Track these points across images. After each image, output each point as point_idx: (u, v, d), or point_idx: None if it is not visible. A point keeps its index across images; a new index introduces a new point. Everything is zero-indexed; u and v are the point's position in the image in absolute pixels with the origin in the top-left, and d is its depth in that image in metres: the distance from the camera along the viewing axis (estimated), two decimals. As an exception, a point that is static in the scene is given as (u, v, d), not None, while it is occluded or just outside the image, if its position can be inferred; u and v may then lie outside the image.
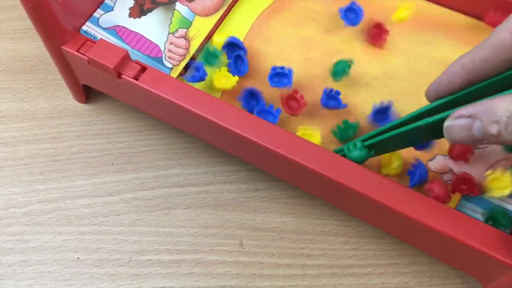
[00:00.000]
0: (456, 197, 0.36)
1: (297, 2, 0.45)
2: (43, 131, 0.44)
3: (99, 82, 0.41)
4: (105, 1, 0.42)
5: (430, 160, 0.38)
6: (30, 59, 0.48)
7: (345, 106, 0.40)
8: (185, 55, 0.42)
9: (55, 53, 0.40)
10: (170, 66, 0.41)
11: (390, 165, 0.37)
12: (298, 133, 0.38)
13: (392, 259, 0.39)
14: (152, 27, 0.42)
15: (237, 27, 0.44)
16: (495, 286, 0.33)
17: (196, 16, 0.43)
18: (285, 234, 0.40)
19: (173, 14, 0.43)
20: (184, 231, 0.40)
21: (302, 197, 0.41)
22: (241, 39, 0.43)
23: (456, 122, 0.28)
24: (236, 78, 0.40)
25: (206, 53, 0.41)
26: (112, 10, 0.42)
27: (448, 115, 0.29)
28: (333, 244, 0.39)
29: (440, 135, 0.31)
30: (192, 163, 0.43)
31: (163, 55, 0.41)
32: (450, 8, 0.44)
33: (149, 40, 0.41)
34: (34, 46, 0.48)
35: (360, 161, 0.35)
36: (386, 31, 0.42)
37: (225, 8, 0.44)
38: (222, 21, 0.44)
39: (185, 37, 0.42)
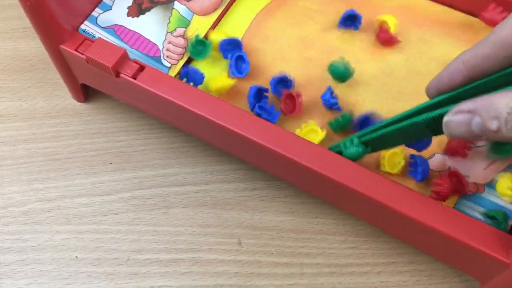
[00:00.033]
0: (454, 196, 0.36)
1: (295, 1, 0.45)
2: (42, 130, 0.44)
3: (97, 81, 0.41)
4: (104, 0, 0.42)
5: (429, 158, 0.38)
6: (28, 58, 0.48)
7: (338, 108, 0.40)
8: (183, 54, 0.42)
9: (53, 52, 0.40)
10: (169, 65, 0.41)
11: (393, 164, 0.37)
12: (302, 130, 0.38)
13: (390, 258, 0.39)
14: (151, 26, 0.42)
15: (235, 26, 0.44)
16: (493, 285, 0.33)
17: (195, 15, 0.43)
18: (284, 233, 0.40)
19: (171, 13, 0.43)
20: (183, 230, 0.40)
21: (300, 196, 0.41)
22: (239, 37, 0.43)
23: (456, 117, 0.28)
24: (232, 81, 0.40)
25: (194, 44, 0.41)
26: (111, 9, 0.42)
27: (447, 111, 0.29)
28: (332, 243, 0.39)
29: (439, 131, 0.30)
30: (190, 162, 0.43)
31: (162, 54, 0.41)
32: (448, 6, 0.44)
33: (148, 39, 0.41)
34: (33, 46, 0.48)
35: (356, 158, 0.35)
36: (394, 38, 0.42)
37: (223, 7, 0.44)
38: (220, 20, 0.44)
39: (183, 36, 0.42)
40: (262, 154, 0.36)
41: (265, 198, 0.41)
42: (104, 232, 0.40)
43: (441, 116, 0.30)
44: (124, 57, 0.37)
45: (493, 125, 0.26)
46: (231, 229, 0.40)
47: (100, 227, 0.40)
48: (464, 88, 0.31)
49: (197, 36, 0.41)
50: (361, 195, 0.33)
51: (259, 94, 0.39)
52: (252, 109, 0.39)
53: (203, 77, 0.40)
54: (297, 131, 0.38)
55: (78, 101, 0.45)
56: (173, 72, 0.41)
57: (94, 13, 0.42)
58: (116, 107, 0.45)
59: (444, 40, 0.43)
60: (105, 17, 0.42)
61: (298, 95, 0.39)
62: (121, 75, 0.37)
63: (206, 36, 0.43)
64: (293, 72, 0.41)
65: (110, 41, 0.40)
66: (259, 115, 0.38)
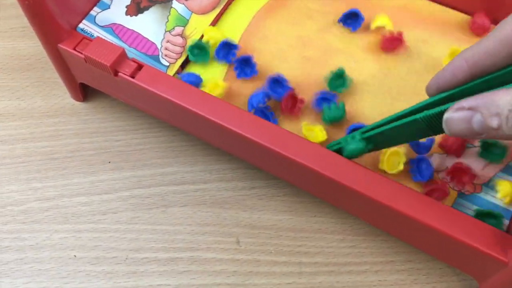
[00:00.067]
0: (452, 195, 0.36)
1: (294, 0, 0.45)
2: (40, 129, 0.44)
3: (96, 80, 0.41)
4: (102, -1, 0.42)
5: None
6: (27, 57, 0.48)
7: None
8: (181, 53, 0.42)
9: (52, 51, 0.40)
10: (167, 64, 0.41)
11: (392, 164, 0.37)
12: (303, 130, 0.38)
13: (388, 256, 0.39)
14: (149, 25, 0.42)
15: (234, 25, 0.44)
16: (491, 283, 0.33)
17: (193, 14, 0.43)
18: (282, 232, 0.40)
19: (169, 12, 0.43)
20: (181, 229, 0.40)
21: (299, 195, 0.41)
22: (238, 37, 0.43)
23: (456, 114, 0.28)
24: (225, 84, 0.40)
25: (193, 49, 0.41)
26: (109, 8, 0.42)
27: (447, 108, 0.29)
28: (330, 242, 0.39)
29: (438, 129, 0.30)
30: (189, 161, 0.43)
31: (160, 53, 0.41)
32: (447, 5, 0.44)
33: (146, 38, 0.41)
34: (31, 45, 0.48)
35: (357, 154, 0.34)
36: (400, 40, 0.42)
37: (221, 6, 0.44)
38: (219, 19, 0.44)
39: (181, 35, 0.42)
40: (261, 153, 0.36)
41: (263, 197, 0.41)
42: (102, 231, 0.40)
43: (441, 113, 0.29)
44: (123, 56, 0.37)
45: (494, 122, 0.26)
46: (230, 228, 0.40)
47: (98, 226, 0.40)
48: (464, 86, 0.31)
49: (196, 43, 0.41)
50: (359, 194, 0.33)
51: (262, 99, 0.40)
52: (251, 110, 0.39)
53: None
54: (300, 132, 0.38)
55: (77, 100, 0.46)
56: (171, 71, 0.41)
57: (93, 12, 0.42)
58: (115, 106, 0.45)
59: (442, 40, 0.43)
60: (103, 16, 0.42)
61: (302, 101, 0.39)
62: (119, 74, 0.37)
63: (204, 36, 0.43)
64: (292, 71, 0.41)
65: (109, 40, 0.40)
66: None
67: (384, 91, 0.41)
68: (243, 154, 0.39)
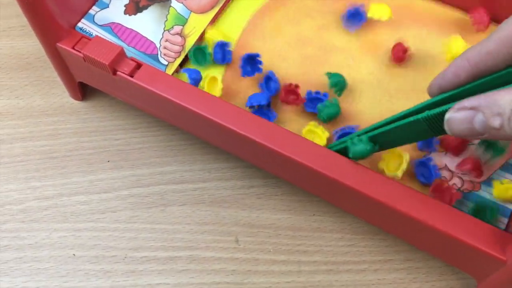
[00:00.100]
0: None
1: (292, -1, 0.45)
2: (39, 128, 0.44)
3: (94, 79, 0.41)
4: (101, -2, 0.42)
5: (425, 156, 0.38)
6: (26, 56, 0.48)
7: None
8: (180, 52, 0.42)
9: (50, 50, 0.40)
10: (166, 63, 0.41)
11: (393, 167, 0.37)
12: (305, 130, 0.38)
13: (387, 255, 0.39)
14: (148, 24, 0.42)
15: (233, 24, 0.44)
16: (489, 282, 0.33)
17: (192, 13, 0.43)
18: (281, 230, 0.40)
19: (168, 11, 0.43)
20: (180, 227, 0.40)
21: (297, 194, 0.41)
22: (237, 36, 0.43)
23: (458, 114, 0.28)
24: (221, 87, 0.40)
25: (195, 52, 0.41)
26: (108, 7, 0.42)
27: (449, 108, 0.29)
28: (329, 240, 0.40)
29: (440, 130, 0.30)
30: (188, 160, 0.43)
31: (159, 52, 0.41)
32: (446, 3, 0.44)
33: (145, 37, 0.41)
34: (30, 44, 0.48)
35: (363, 155, 0.34)
36: (406, 49, 0.41)
37: (220, 5, 0.44)
38: (217, 18, 0.44)
39: (180, 34, 0.42)
40: (259, 152, 0.36)
41: (262, 196, 0.41)
42: (101, 230, 0.40)
43: (443, 113, 0.29)
44: (121, 55, 0.37)
45: (496, 122, 0.26)
46: (229, 227, 0.40)
47: (97, 225, 0.40)
48: (467, 86, 0.31)
49: (195, 48, 0.41)
50: (358, 193, 0.33)
51: (262, 98, 0.40)
52: (250, 107, 0.39)
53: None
54: (303, 132, 0.38)
55: (76, 99, 0.45)
56: (170, 70, 0.41)
57: (91, 11, 0.42)
58: (114, 105, 0.45)
59: (441, 38, 0.43)
60: (102, 15, 0.42)
61: (297, 86, 0.39)
62: (118, 73, 0.37)
63: (202, 35, 0.43)
64: (291, 70, 0.41)
65: (107, 39, 0.40)
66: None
67: (382, 89, 0.41)
68: (242, 153, 0.39)
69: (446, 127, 0.29)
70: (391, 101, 0.40)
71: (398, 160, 0.37)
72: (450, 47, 0.40)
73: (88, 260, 0.39)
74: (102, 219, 0.41)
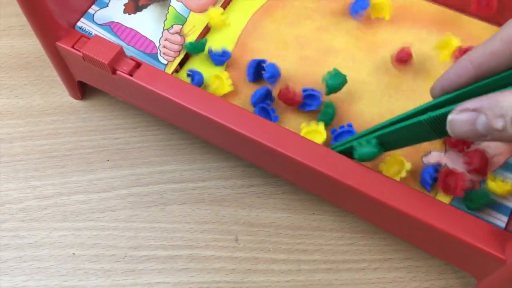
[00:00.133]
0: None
1: (291, 0, 0.45)
2: (39, 128, 0.44)
3: (94, 78, 0.41)
4: (100, -3, 0.42)
5: (425, 155, 0.38)
6: (25, 55, 0.48)
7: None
8: (180, 51, 0.42)
9: (50, 50, 0.40)
10: (165, 62, 0.41)
11: (395, 172, 0.37)
12: (303, 130, 0.38)
13: (387, 254, 0.39)
14: (147, 23, 0.42)
15: (232, 24, 0.44)
16: (489, 281, 0.33)
17: (191, 12, 0.43)
18: (281, 229, 0.40)
19: (168, 10, 0.43)
20: (180, 226, 0.40)
21: (297, 193, 0.41)
22: (236, 36, 0.43)
23: (460, 115, 0.28)
24: (230, 82, 0.40)
25: (190, 46, 0.41)
26: (107, 6, 0.42)
27: (451, 110, 0.29)
28: (329, 239, 0.40)
29: (442, 131, 0.30)
30: (187, 159, 0.43)
31: (158, 51, 0.41)
32: (444, 5, 0.44)
33: (144, 36, 0.41)
34: (30, 43, 0.48)
35: (370, 158, 0.34)
36: (410, 55, 0.41)
37: (219, 4, 0.44)
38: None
39: (180, 33, 0.42)
40: (259, 151, 0.36)
41: (262, 195, 0.41)
42: (101, 229, 0.40)
43: (445, 115, 0.29)
44: (121, 54, 0.37)
45: (499, 124, 0.26)
46: (228, 226, 0.40)
47: (97, 224, 0.40)
48: (469, 88, 0.31)
49: (191, 43, 0.41)
50: (357, 192, 0.33)
51: (264, 96, 0.39)
52: (254, 106, 0.39)
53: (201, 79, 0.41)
54: (302, 131, 0.38)
55: (75, 98, 0.46)
56: (169, 69, 0.41)
57: (91, 10, 0.42)
58: (113, 104, 0.45)
59: (440, 38, 0.42)
60: (101, 14, 0.42)
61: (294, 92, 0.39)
62: (118, 72, 0.37)
63: (203, 34, 0.43)
64: (290, 71, 0.41)
65: (107, 38, 0.40)
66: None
67: (381, 89, 0.41)
68: (242, 152, 0.39)
69: (448, 128, 0.29)
70: (390, 101, 0.40)
71: (398, 167, 0.37)
72: (442, 47, 0.40)
73: (88, 259, 0.39)
74: (102, 218, 0.41)
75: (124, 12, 0.42)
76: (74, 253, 0.39)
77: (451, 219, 0.32)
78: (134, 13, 0.42)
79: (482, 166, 0.36)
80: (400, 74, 0.41)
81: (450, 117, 0.29)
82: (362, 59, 0.42)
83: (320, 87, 0.40)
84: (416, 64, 0.42)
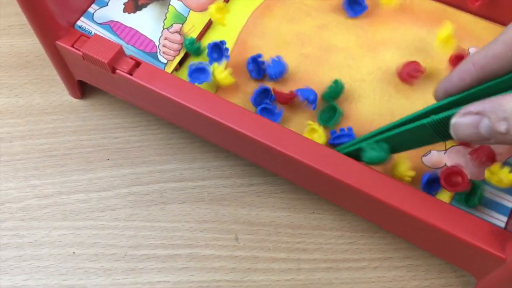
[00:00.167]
0: (450, 192, 0.36)
1: (292, -3, 0.45)
2: (39, 127, 0.44)
3: (94, 77, 0.41)
4: (100, -4, 0.42)
5: (424, 155, 0.38)
6: (25, 55, 0.48)
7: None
8: (179, 50, 0.42)
9: (49, 49, 0.40)
10: (165, 61, 0.41)
11: (403, 173, 0.37)
12: (307, 129, 0.38)
13: (387, 253, 0.39)
14: (147, 22, 0.42)
15: (232, 22, 0.44)
16: (489, 280, 0.33)
17: (191, 11, 0.43)
18: (281, 228, 0.40)
19: (167, 9, 0.43)
20: (180, 225, 0.40)
21: (297, 192, 0.41)
22: (236, 34, 0.43)
23: (463, 119, 0.28)
24: (233, 79, 0.40)
25: (189, 44, 0.41)
26: (107, 5, 0.42)
27: (454, 113, 0.29)
28: (329, 238, 0.40)
29: (446, 134, 0.30)
30: (187, 158, 0.43)
31: (158, 50, 0.41)
32: (445, 4, 0.44)
33: (144, 35, 0.41)
34: (30, 42, 0.48)
35: (379, 162, 0.34)
36: (420, 71, 0.41)
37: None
38: (217, 16, 0.44)
39: (179, 32, 0.42)
40: (259, 151, 0.36)
41: (262, 194, 0.41)
42: (101, 228, 0.40)
43: (448, 118, 0.29)
44: (120, 53, 0.37)
45: (502, 127, 0.26)
46: (228, 225, 0.40)
47: (97, 223, 0.40)
48: (472, 90, 0.31)
49: (190, 39, 0.41)
50: (357, 191, 0.33)
51: (263, 94, 0.39)
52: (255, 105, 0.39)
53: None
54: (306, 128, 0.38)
55: (75, 97, 0.45)
56: (169, 68, 0.41)
57: (90, 9, 0.42)
58: (113, 103, 0.45)
59: (440, 37, 0.43)
60: (101, 13, 0.42)
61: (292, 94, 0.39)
62: (117, 71, 0.37)
63: (203, 33, 0.43)
64: (290, 69, 0.41)
65: (106, 37, 0.40)
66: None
67: (381, 88, 0.41)
68: (241, 151, 0.39)
69: (451, 132, 0.29)
70: (390, 101, 0.40)
71: (398, 175, 0.36)
72: (440, 33, 0.41)
73: (88, 258, 0.39)
74: (102, 217, 0.41)
75: (124, 11, 0.42)
76: (74, 252, 0.39)
77: (451, 218, 0.32)
78: (134, 12, 0.42)
79: (489, 157, 0.36)
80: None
81: (453, 120, 0.28)
82: (362, 58, 0.42)
83: (321, 86, 0.40)
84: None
